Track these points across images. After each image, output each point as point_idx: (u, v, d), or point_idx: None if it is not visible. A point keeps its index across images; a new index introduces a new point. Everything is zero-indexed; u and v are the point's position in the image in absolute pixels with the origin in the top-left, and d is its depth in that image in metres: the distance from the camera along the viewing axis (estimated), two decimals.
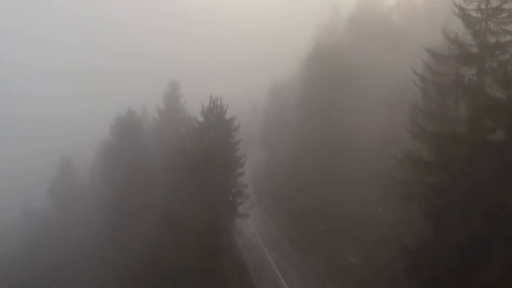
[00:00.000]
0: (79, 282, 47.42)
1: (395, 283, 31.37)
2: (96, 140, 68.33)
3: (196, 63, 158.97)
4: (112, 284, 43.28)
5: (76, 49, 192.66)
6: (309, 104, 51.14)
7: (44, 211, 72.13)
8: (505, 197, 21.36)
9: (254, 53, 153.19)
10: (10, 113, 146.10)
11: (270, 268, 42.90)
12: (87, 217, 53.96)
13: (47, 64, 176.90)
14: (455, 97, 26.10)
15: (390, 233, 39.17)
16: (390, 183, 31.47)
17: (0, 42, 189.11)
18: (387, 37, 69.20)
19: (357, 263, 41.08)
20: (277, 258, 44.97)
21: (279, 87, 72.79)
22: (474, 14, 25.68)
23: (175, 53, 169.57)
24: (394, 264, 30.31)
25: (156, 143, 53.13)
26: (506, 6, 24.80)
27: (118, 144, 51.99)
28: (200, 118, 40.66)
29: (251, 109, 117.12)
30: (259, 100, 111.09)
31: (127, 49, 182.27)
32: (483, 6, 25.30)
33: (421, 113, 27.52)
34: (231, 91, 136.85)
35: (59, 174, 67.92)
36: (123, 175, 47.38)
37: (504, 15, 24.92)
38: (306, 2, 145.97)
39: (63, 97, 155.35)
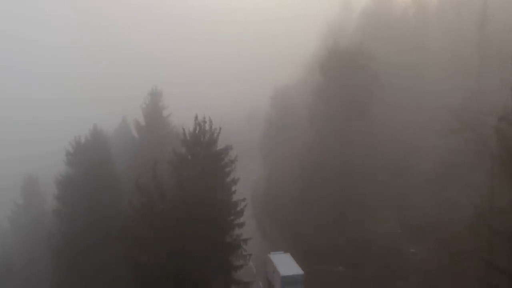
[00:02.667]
0: None
1: None
2: None
3: (193, 68, 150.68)
4: None
5: (69, 54, 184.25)
6: (322, 115, 41.37)
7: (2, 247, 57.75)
8: None
9: (253, 56, 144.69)
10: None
11: None
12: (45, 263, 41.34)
13: (39, 69, 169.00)
14: None
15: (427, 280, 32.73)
16: None
17: None
18: (405, 35, 61.48)
19: None
20: None
21: (282, 94, 62.37)
22: None
23: (171, 58, 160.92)
24: None
25: (133, 168, 41.59)
26: None
27: (79, 176, 40.04)
28: (181, 149, 29.36)
29: (249, 115, 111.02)
30: (258, 105, 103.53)
31: (122, 53, 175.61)
32: None
33: None
34: (229, 96, 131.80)
35: (22, 198, 56.51)
36: (83, 216, 35.62)
37: None
38: (308, 3, 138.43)
39: (53, 101, 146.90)
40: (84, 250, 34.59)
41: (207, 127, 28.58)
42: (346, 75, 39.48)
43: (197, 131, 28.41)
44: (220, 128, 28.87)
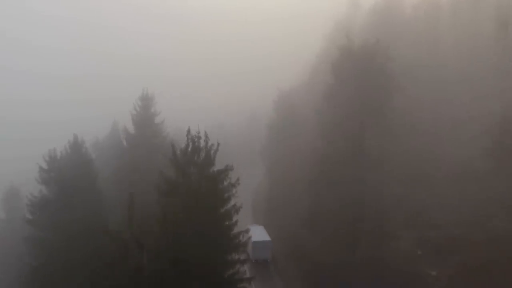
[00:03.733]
0: None
1: None
2: None
3: (193, 69, 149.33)
4: None
5: (70, 55, 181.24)
6: (333, 121, 36.88)
7: None
8: None
9: (254, 57, 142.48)
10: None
11: None
12: None
13: (39, 70, 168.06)
14: None
15: None
16: None
17: None
18: (417, 33, 57.68)
19: None
20: None
21: (285, 97, 57.55)
22: None
23: (171, 59, 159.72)
24: None
25: (122, 181, 36.63)
26: None
27: (54, 197, 34.30)
28: (169, 171, 23.28)
29: (250, 116, 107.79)
30: (259, 106, 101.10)
31: (121, 54, 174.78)
32: None
33: None
34: (229, 97, 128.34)
35: (4, 212, 50.88)
36: (59, 245, 29.91)
37: None
38: (309, 2, 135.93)
39: (54, 102, 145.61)
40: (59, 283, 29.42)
41: (201, 143, 22.87)
42: (361, 77, 34.99)
43: (189, 149, 22.67)
44: (219, 144, 23.23)
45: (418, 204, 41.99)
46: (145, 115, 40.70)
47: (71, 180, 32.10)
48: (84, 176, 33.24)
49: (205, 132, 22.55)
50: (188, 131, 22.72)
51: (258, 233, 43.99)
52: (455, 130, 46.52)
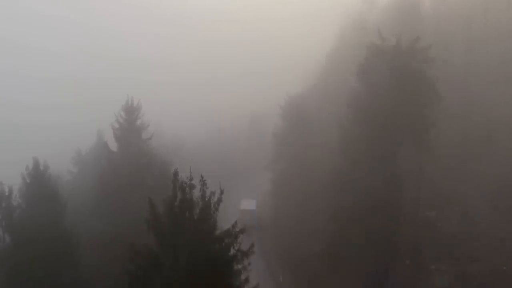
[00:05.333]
0: None
1: None
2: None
3: (193, 70, 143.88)
4: None
5: (69, 57, 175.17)
6: (360, 136, 30.06)
7: None
8: None
9: (255, 58, 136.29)
10: None
11: None
12: None
13: (36, 73, 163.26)
14: None
15: None
16: None
17: None
18: (447, 32, 50.99)
19: None
20: None
21: (295, 103, 50.04)
22: None
23: (170, 60, 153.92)
24: None
25: (100, 215, 29.13)
26: None
27: (13, 246, 26.20)
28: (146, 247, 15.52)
29: (251, 121, 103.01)
30: (261, 110, 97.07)
31: (119, 56, 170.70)
32: None
33: None
34: (228, 100, 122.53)
35: None
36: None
37: None
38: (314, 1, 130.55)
39: (50, 105, 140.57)
40: None
41: (196, 192, 15.26)
42: (396, 82, 28.24)
43: (176, 204, 14.90)
44: (222, 192, 15.37)
45: (454, 231, 35.66)
46: (129, 129, 33.01)
47: (30, 225, 24.65)
48: (47, 215, 25.68)
49: (202, 178, 14.86)
50: (175, 174, 15.05)
51: (247, 204, 52.38)
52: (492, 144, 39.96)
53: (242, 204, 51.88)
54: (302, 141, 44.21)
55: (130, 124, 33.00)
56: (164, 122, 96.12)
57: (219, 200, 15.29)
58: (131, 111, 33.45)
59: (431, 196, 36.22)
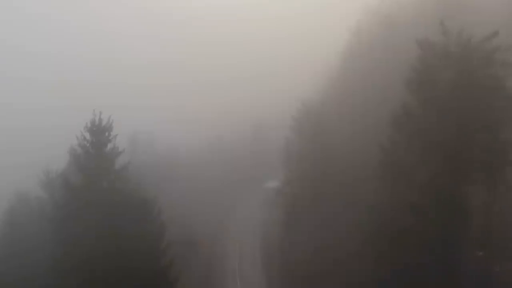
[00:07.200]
0: None
1: None
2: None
3: (190, 74, 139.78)
4: None
5: (65, 61, 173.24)
6: (411, 164, 21.94)
7: None
8: None
9: (255, 59, 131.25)
10: None
11: None
12: None
13: (32, 76, 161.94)
14: None
15: None
16: None
17: None
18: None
19: None
20: None
21: (312, 113, 40.83)
22: None
23: (168, 63, 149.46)
24: None
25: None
26: None
27: None
28: None
29: (252, 128, 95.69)
30: (265, 118, 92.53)
31: (117, 59, 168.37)
32: None
33: None
34: (229, 106, 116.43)
35: None
36: None
37: None
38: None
39: (44, 109, 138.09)
40: None
41: None
42: (463, 96, 20.06)
43: None
44: None
45: None
46: (97, 157, 24.28)
47: None
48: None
49: None
50: None
51: (272, 183, 55.37)
52: None
53: (268, 184, 57.83)
54: (321, 161, 35.87)
55: (97, 150, 24.15)
56: (160, 128, 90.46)
57: None
58: (98, 132, 23.87)
59: None
